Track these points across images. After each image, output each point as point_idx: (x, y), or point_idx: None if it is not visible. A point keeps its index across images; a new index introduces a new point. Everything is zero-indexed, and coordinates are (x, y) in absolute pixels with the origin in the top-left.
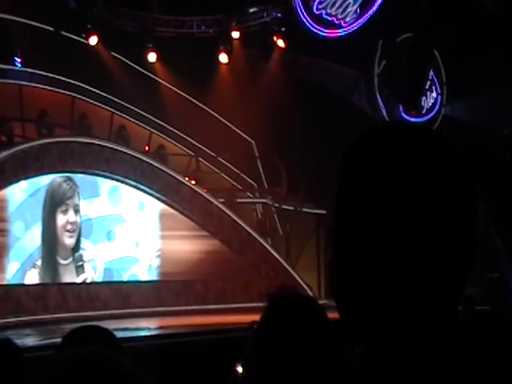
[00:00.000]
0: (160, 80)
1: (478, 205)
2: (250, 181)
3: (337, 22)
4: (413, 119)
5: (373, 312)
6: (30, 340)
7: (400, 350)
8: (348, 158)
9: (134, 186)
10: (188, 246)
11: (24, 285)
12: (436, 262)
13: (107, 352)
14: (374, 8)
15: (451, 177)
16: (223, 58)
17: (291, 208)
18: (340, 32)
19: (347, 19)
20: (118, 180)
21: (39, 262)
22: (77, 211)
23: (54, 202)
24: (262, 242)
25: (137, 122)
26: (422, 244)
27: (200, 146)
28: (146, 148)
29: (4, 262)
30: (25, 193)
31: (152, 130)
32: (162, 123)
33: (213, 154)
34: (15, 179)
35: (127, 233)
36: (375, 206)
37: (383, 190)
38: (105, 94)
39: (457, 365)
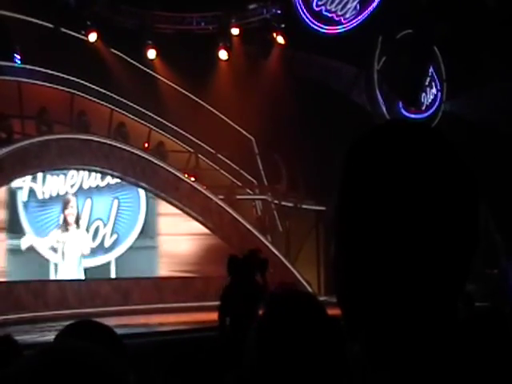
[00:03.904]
0: (159, 77)
1: (480, 201)
2: (250, 177)
3: (336, 19)
4: (412, 115)
5: (373, 307)
6: (29, 337)
7: (400, 345)
8: (351, 157)
9: (134, 183)
10: (187, 242)
11: (24, 281)
12: (437, 259)
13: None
14: (374, 4)
15: (453, 174)
16: (223, 54)
17: (291, 205)
18: (340, 28)
19: (347, 16)
20: (117, 177)
21: None
22: None
23: None
24: (262, 238)
25: (136, 118)
26: (424, 241)
27: (199, 142)
28: (146, 145)
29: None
30: None
31: (151, 126)
32: (162, 120)
33: (212, 150)
34: (15, 176)
35: None
36: (377, 203)
37: (385, 187)
38: (104, 91)
39: (456, 361)
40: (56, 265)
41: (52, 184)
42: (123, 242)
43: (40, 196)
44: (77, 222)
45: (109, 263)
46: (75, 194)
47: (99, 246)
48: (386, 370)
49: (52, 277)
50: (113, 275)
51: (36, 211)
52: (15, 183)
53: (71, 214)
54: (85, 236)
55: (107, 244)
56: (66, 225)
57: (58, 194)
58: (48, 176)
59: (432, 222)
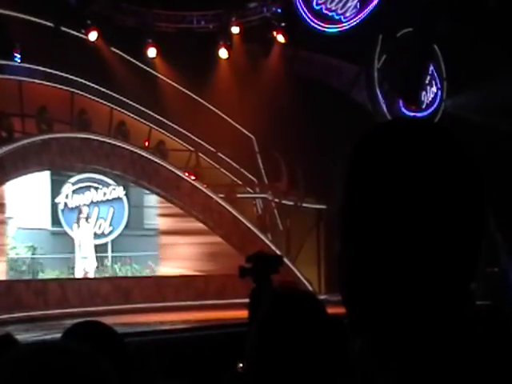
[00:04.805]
0: (160, 75)
1: (486, 198)
2: (250, 176)
3: (337, 17)
4: (413, 114)
5: (379, 305)
6: (30, 335)
7: (406, 344)
8: (356, 154)
9: (134, 182)
10: (188, 241)
11: (24, 280)
12: (443, 257)
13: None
14: (374, 3)
15: (459, 171)
16: (223, 53)
17: (291, 203)
18: (340, 27)
19: (347, 14)
20: (117, 175)
21: None
22: None
23: None
24: (262, 237)
25: (136, 117)
26: (430, 238)
27: (200, 141)
28: (146, 143)
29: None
30: None
31: (152, 125)
32: (162, 119)
33: (213, 149)
34: (15, 174)
35: None
36: (383, 200)
37: (391, 184)
38: (104, 90)
39: (462, 360)
40: (79, 246)
41: (76, 199)
42: (115, 231)
43: (70, 206)
44: (86, 220)
45: (107, 243)
46: (88, 205)
47: (102, 233)
48: (392, 369)
49: (77, 253)
50: (109, 250)
51: (68, 215)
52: (57, 199)
53: (83, 217)
54: (91, 229)
55: (106, 232)
56: (79, 223)
57: (79, 204)
58: (74, 195)
59: (438, 219)
